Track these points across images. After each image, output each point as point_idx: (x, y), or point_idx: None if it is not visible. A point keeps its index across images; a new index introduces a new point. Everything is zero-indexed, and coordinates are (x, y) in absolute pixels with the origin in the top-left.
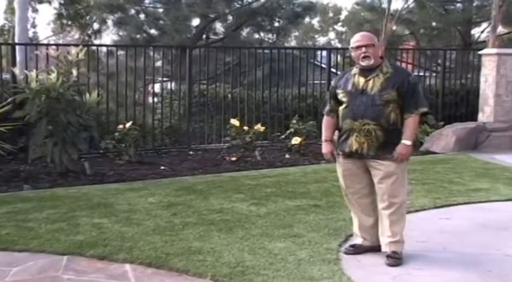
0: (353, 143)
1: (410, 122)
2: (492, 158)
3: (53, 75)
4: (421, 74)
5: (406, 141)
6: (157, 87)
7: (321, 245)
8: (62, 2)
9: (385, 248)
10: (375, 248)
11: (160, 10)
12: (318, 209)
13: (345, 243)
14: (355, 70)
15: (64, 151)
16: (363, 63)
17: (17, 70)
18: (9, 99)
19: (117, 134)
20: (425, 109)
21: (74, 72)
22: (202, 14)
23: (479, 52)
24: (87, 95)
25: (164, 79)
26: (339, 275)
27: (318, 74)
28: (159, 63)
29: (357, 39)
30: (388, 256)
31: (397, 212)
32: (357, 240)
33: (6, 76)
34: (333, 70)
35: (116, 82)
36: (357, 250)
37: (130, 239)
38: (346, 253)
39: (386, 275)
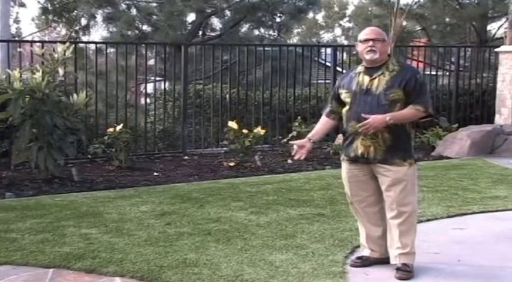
0: (358, 146)
1: (408, 110)
2: (510, 164)
3: (38, 75)
4: (433, 73)
5: (387, 115)
6: (150, 88)
7: (326, 256)
8: None
9: (395, 260)
10: (384, 260)
11: (154, 5)
12: (323, 218)
13: (352, 255)
14: (360, 68)
15: (50, 156)
16: (367, 57)
17: None
18: None
19: (106, 137)
20: (422, 109)
21: (61, 71)
22: (198, 9)
23: (496, 49)
24: (75, 95)
25: (157, 79)
26: None
27: (323, 73)
28: (151, 62)
29: (366, 32)
30: (397, 269)
31: (407, 221)
32: (364, 251)
33: None
34: (339, 69)
35: (105, 82)
36: (364, 262)
37: (121, 250)
38: (352, 266)
39: None
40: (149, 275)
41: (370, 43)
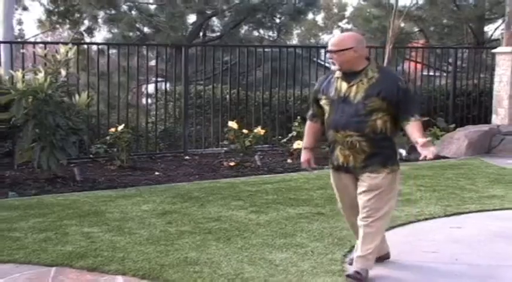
0: (339, 156)
1: (416, 126)
2: (507, 163)
3: (41, 76)
4: (431, 73)
5: (422, 139)
6: (151, 88)
7: (325, 255)
8: None
9: (354, 262)
10: (381, 258)
11: (154, 6)
12: (322, 217)
13: (350, 253)
14: (338, 73)
15: (52, 156)
16: (332, 67)
17: (1, 70)
18: None
19: (108, 137)
20: (418, 117)
21: (63, 72)
22: (199, 11)
23: (493, 50)
24: (77, 96)
25: (159, 79)
26: None
27: (322, 74)
28: (153, 63)
29: (329, 43)
30: (347, 275)
31: (374, 226)
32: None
33: None
34: None
35: (107, 82)
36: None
37: (123, 249)
38: (351, 264)
39: None
40: (150, 274)
41: (328, 55)
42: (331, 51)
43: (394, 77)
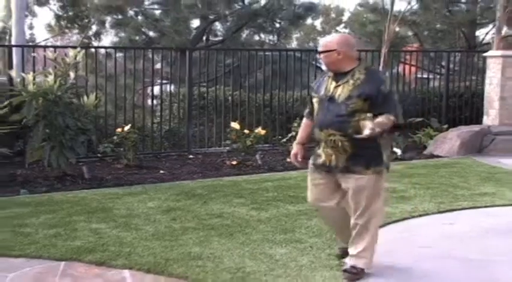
0: (322, 154)
1: (384, 118)
2: (497, 162)
3: (51, 78)
4: (425, 76)
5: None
6: (156, 90)
7: (323, 250)
8: (62, 4)
9: (347, 260)
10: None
11: (160, 11)
12: None
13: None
14: (330, 73)
15: (62, 155)
16: (322, 68)
17: (13, 72)
18: (6, 102)
19: (115, 137)
20: (392, 117)
21: (72, 74)
22: (202, 16)
23: (484, 54)
24: (85, 97)
25: (163, 81)
26: None
27: (320, 76)
28: (158, 66)
29: (319, 44)
30: (344, 270)
31: (365, 227)
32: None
33: (2, 78)
34: None
35: (114, 84)
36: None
37: (129, 244)
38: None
39: None
40: (156, 268)
41: (317, 56)
42: (320, 53)
43: (378, 79)
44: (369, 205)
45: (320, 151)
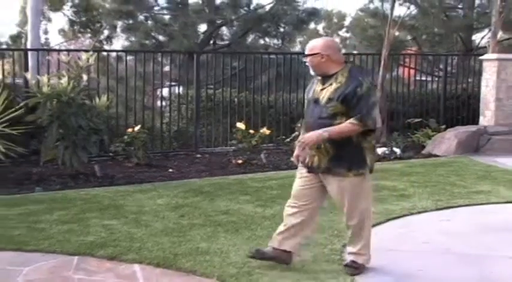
0: (307, 155)
1: (344, 125)
2: (493, 161)
3: (64, 80)
4: (424, 78)
5: (322, 131)
6: (165, 92)
7: (325, 246)
8: (75, 9)
9: (347, 257)
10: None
11: (169, 16)
12: (322, 210)
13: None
14: (319, 77)
15: (75, 154)
16: (311, 72)
17: (29, 75)
18: (22, 104)
19: (126, 137)
20: (355, 121)
21: (85, 77)
22: (210, 20)
23: (480, 57)
24: (97, 99)
25: (172, 84)
26: (343, 276)
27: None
28: (167, 68)
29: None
30: (345, 265)
31: (357, 227)
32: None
33: (18, 81)
34: None
35: (125, 86)
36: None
37: (139, 239)
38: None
39: (390, 276)
40: (165, 262)
41: (303, 59)
42: (306, 56)
43: (357, 82)
44: (354, 206)
45: (306, 152)
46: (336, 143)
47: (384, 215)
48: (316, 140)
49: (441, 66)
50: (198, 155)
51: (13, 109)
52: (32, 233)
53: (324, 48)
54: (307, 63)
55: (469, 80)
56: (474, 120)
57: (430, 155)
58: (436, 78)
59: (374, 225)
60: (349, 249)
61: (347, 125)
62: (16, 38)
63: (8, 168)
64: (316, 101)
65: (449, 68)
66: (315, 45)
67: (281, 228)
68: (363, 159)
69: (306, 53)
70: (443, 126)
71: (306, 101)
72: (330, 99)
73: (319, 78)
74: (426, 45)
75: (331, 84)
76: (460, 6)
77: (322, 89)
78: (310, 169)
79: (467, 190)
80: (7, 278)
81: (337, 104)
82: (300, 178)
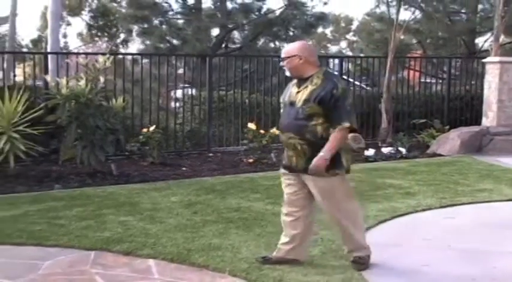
0: (286, 156)
1: (332, 136)
2: (495, 161)
3: (82, 82)
4: (428, 80)
5: (322, 153)
6: (179, 93)
7: (333, 242)
8: (93, 14)
9: (349, 256)
10: (281, 261)
11: (183, 21)
12: None
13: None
14: (294, 80)
15: (92, 153)
16: (286, 74)
17: (49, 77)
18: (42, 105)
19: (141, 137)
20: (347, 124)
21: (102, 79)
22: (222, 25)
23: (483, 60)
24: (114, 100)
25: (186, 85)
26: (350, 271)
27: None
28: (181, 71)
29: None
30: (352, 262)
31: (346, 226)
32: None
33: (39, 83)
34: (345, 77)
35: (140, 88)
36: (267, 261)
37: (154, 235)
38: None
39: (395, 271)
40: (179, 257)
41: (281, 63)
42: (283, 59)
43: (333, 84)
44: (334, 207)
45: (285, 153)
46: (313, 145)
47: (389, 212)
48: (324, 164)
49: (445, 69)
50: (211, 154)
51: (34, 110)
52: (51, 228)
53: (301, 50)
54: (284, 67)
55: (472, 82)
56: (477, 121)
57: (434, 155)
58: (440, 80)
59: (381, 222)
60: (347, 247)
61: (336, 135)
62: (37, 41)
63: (29, 166)
64: (292, 103)
65: (453, 71)
66: (292, 47)
67: (285, 239)
68: (339, 159)
69: (284, 55)
70: (447, 127)
71: (281, 105)
72: (306, 101)
73: (295, 82)
74: (430, 48)
75: (306, 87)
76: (463, 10)
77: (298, 92)
78: (290, 168)
79: (471, 188)
80: (29, 271)
81: (314, 105)
82: (288, 186)
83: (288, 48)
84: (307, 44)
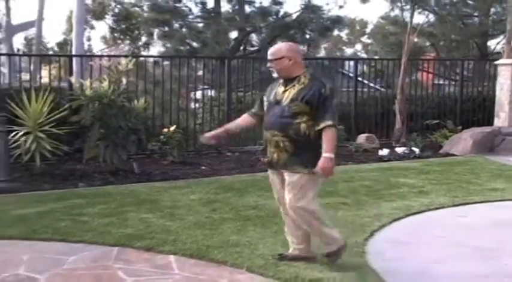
0: (268, 153)
1: (325, 136)
2: (507, 160)
3: (105, 84)
4: (441, 82)
5: (325, 154)
6: (199, 94)
7: (348, 239)
8: (116, 18)
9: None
10: (305, 258)
11: (202, 24)
12: (346, 206)
13: (371, 237)
14: (281, 80)
15: (115, 152)
16: (273, 75)
17: (73, 79)
18: (66, 106)
19: (162, 137)
20: (330, 122)
21: (124, 80)
22: (240, 28)
23: (495, 62)
24: (136, 101)
25: (205, 87)
26: (364, 267)
27: (346, 83)
28: (200, 73)
29: (268, 53)
30: (326, 255)
31: (305, 221)
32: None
33: (63, 84)
34: (359, 79)
35: (161, 89)
36: (283, 258)
37: (174, 232)
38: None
39: (410, 268)
40: (198, 253)
41: (268, 64)
42: (269, 60)
43: (320, 84)
44: (302, 203)
45: (268, 150)
46: (295, 141)
47: (403, 211)
48: (333, 165)
49: (458, 71)
50: (229, 154)
51: (59, 110)
52: (76, 225)
53: (290, 51)
54: (271, 68)
55: (484, 83)
56: (489, 121)
57: (447, 155)
58: (453, 82)
59: (394, 220)
60: (321, 244)
61: (328, 133)
62: (62, 44)
63: (54, 165)
64: (278, 102)
65: (465, 73)
66: (281, 49)
67: (294, 239)
68: (319, 158)
69: (274, 57)
70: (460, 127)
71: (265, 103)
72: (292, 100)
73: (281, 81)
74: (444, 50)
75: (293, 86)
76: (476, 14)
77: (284, 91)
78: (270, 165)
79: (483, 187)
80: (54, 265)
81: (301, 103)
82: (273, 185)
83: (276, 50)
84: (294, 44)
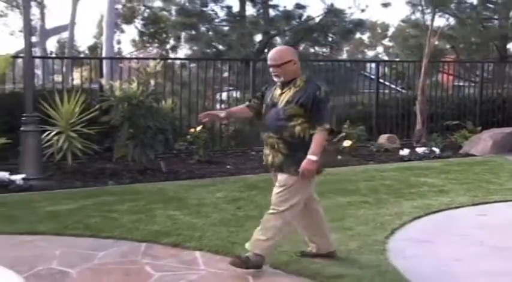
0: (265, 154)
1: (315, 138)
2: None
3: (134, 85)
4: (461, 84)
5: (309, 156)
6: (224, 96)
7: (369, 237)
8: (144, 22)
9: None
10: (322, 256)
11: (228, 28)
12: (367, 204)
13: (391, 235)
14: (278, 83)
15: (143, 151)
16: (275, 79)
17: (103, 81)
18: (97, 106)
19: (189, 136)
20: (327, 126)
21: (152, 82)
22: (264, 31)
23: None
24: (163, 102)
25: (230, 88)
26: (385, 264)
27: (367, 84)
28: (226, 74)
29: (268, 58)
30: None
31: (273, 219)
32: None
33: (94, 86)
34: (381, 80)
35: (188, 91)
36: (305, 255)
37: (200, 229)
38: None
39: (429, 266)
40: (223, 250)
41: (271, 69)
42: (274, 66)
43: (315, 86)
44: (284, 202)
45: (264, 151)
46: (289, 144)
47: (423, 209)
48: (314, 168)
49: (478, 73)
50: (253, 153)
51: (89, 111)
52: (105, 221)
53: (293, 55)
54: (275, 72)
55: (504, 85)
56: (508, 122)
57: (467, 155)
58: (473, 84)
59: (415, 218)
60: (256, 236)
61: (318, 138)
62: (93, 47)
63: (85, 164)
64: (274, 104)
65: (485, 74)
66: (287, 53)
67: (307, 239)
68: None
69: (282, 61)
70: (479, 128)
71: (264, 106)
72: (288, 102)
73: (278, 84)
74: (464, 53)
75: (290, 89)
76: (495, 17)
77: (281, 94)
78: (266, 167)
79: (502, 187)
80: (85, 260)
81: (295, 106)
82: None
83: (283, 54)
84: (291, 48)
